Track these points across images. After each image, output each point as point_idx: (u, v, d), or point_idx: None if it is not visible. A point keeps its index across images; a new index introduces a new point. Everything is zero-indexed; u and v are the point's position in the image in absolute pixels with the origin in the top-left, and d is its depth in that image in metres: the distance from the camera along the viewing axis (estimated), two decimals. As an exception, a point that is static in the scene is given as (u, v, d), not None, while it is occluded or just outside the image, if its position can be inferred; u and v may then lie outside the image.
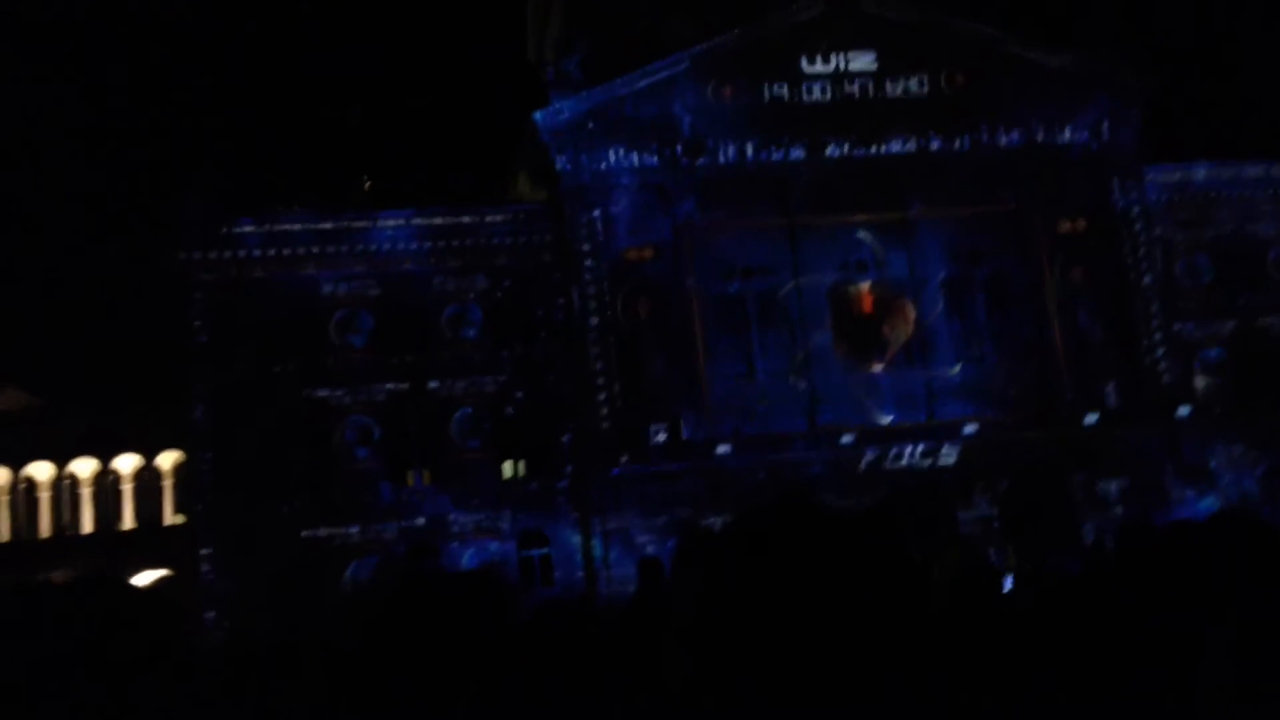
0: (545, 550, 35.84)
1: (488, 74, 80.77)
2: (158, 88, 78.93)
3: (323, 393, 35.87)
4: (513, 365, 36.70)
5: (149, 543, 36.99)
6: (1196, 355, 39.45)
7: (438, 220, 37.38)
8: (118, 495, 38.25)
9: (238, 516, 33.81)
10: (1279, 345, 40.12)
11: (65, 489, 37.98)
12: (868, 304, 37.80)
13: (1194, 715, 1.72)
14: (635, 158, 36.70)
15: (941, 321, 37.81)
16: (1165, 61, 41.80)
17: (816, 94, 37.86)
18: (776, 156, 37.14)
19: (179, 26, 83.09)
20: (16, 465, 37.59)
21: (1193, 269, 40.22)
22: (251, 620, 30.64)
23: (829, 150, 37.30)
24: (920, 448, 35.46)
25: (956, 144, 37.92)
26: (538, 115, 36.75)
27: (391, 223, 37.02)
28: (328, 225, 36.80)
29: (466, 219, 37.52)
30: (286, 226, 36.52)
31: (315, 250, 36.56)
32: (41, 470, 37.84)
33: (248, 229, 36.23)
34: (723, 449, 34.57)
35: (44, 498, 37.78)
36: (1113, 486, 35.92)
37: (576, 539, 35.46)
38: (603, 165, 36.58)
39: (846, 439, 35.15)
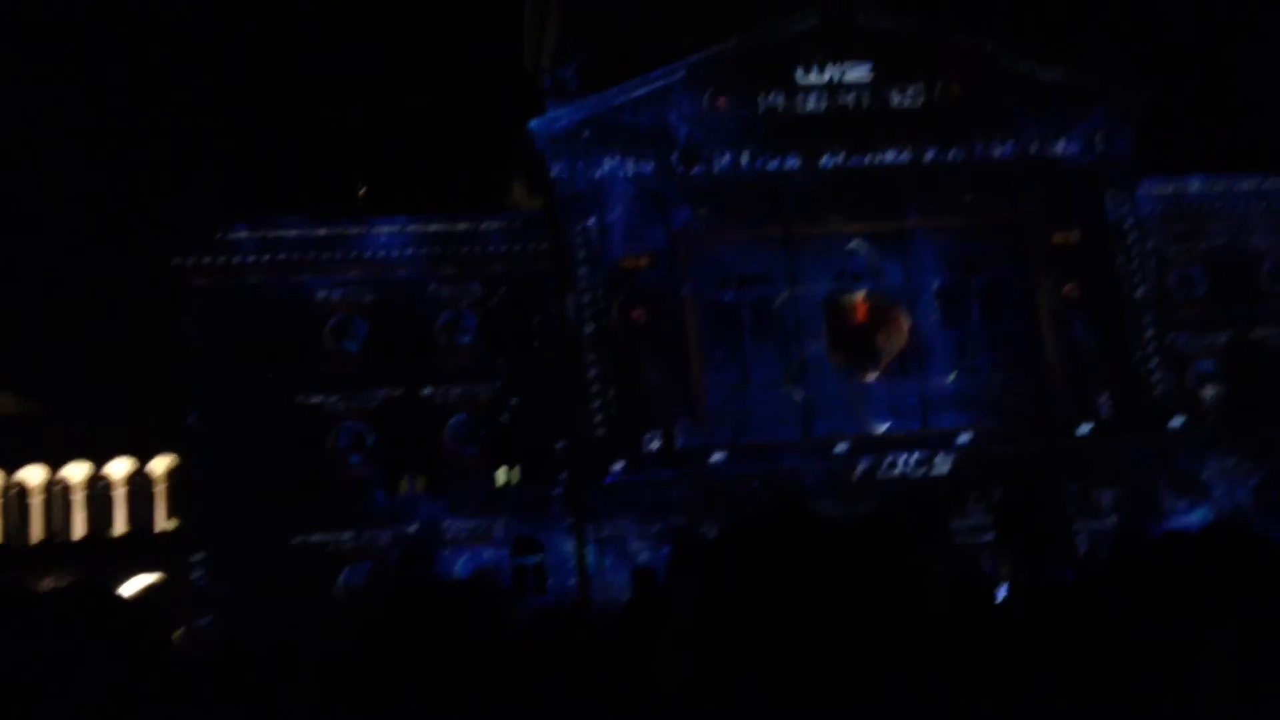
0: (539, 558, 35.79)
1: (484, 82, 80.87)
2: (154, 92, 78.95)
3: (317, 398, 35.84)
4: (508, 372, 36.69)
5: (141, 548, 36.87)
6: (1190, 367, 39.57)
7: (433, 227, 37.42)
8: (110, 500, 38.12)
9: (230, 522, 33.73)
10: (1272, 357, 40.25)
11: (57, 494, 37.85)
12: (862, 313, 37.87)
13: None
14: (631, 166, 36.76)
15: (936, 331, 37.88)
16: (1160, 74, 41.95)
17: (812, 104, 37.97)
18: (772, 166, 37.22)
19: (174, 33, 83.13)
20: (8, 470, 37.46)
21: (1186, 281, 40.37)
22: (244, 626, 30.56)
23: (824, 160, 37.39)
24: (914, 457, 35.51)
25: (951, 155, 38.03)
26: (534, 123, 36.80)
27: (387, 229, 37.04)
28: (323, 231, 36.81)
29: (462, 226, 37.56)
30: (282, 232, 36.52)
31: (310, 256, 36.56)
32: (33, 475, 37.72)
33: (243, 234, 36.22)
34: (717, 457, 34.58)
35: (35, 503, 37.65)
36: (1106, 496, 35.97)
37: (570, 546, 35.41)
38: (598, 173, 36.64)
39: (841, 448, 35.18)
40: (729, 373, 36.89)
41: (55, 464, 37.65)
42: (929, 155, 37.89)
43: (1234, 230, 40.71)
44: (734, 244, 36.82)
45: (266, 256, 36.30)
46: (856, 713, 1.46)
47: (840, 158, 37.42)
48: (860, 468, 35.06)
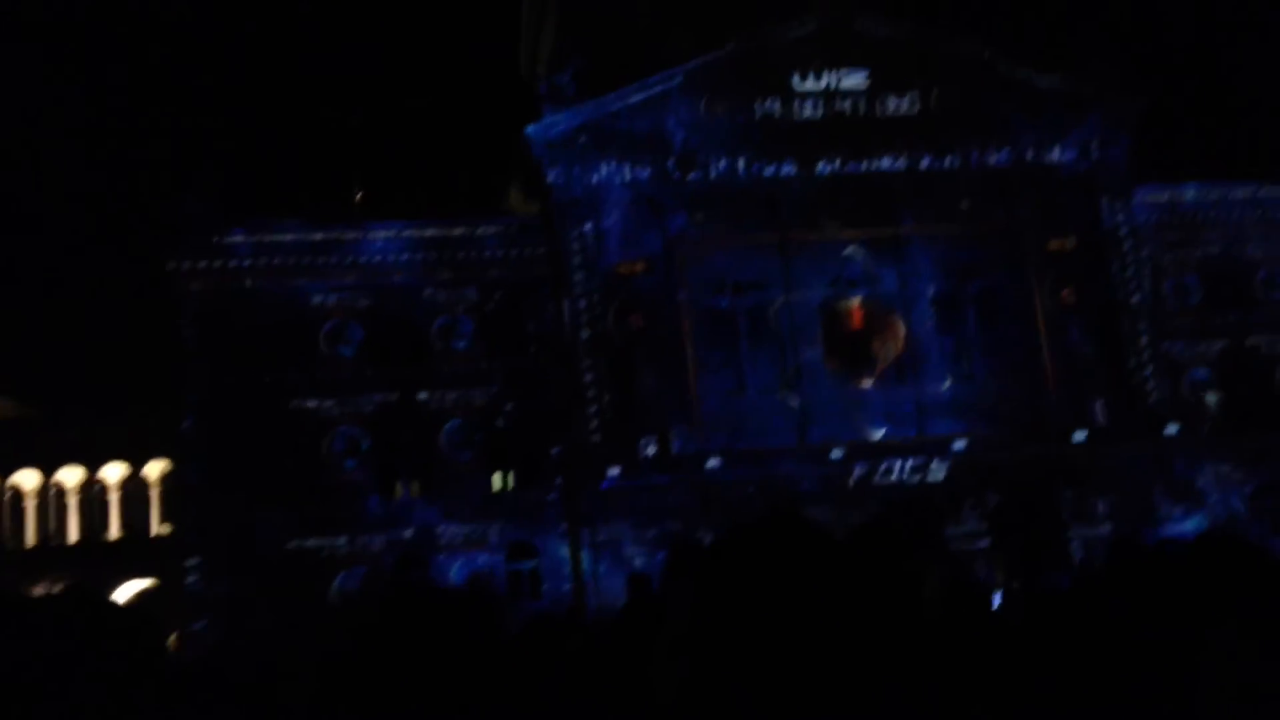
0: (534, 563, 35.76)
1: (481, 87, 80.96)
2: (150, 95, 78.93)
3: (312, 403, 35.81)
4: (503, 377, 36.68)
5: (136, 553, 36.81)
6: (1185, 374, 39.66)
7: (429, 232, 37.43)
8: (105, 505, 38.05)
9: (225, 527, 33.67)
10: (1267, 365, 40.36)
11: (51, 498, 37.77)
12: (858, 320, 37.90)
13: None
14: (627, 172, 36.78)
15: (932, 338, 37.92)
16: (1156, 81, 42.04)
17: (809, 110, 38.03)
18: (768, 172, 37.27)
19: (169, 37, 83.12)
20: (3, 473, 37.39)
21: (1181, 289, 40.47)
22: (239, 631, 30.50)
23: (820, 166, 37.44)
24: (910, 463, 35.52)
25: (947, 162, 38.10)
26: (530, 129, 36.83)
27: (383, 234, 37.04)
28: (319, 236, 36.80)
29: (458, 231, 37.57)
30: (277, 236, 36.51)
31: (306, 261, 36.56)
32: (28, 479, 37.64)
33: (239, 238, 36.20)
34: (713, 463, 34.57)
35: (30, 507, 37.57)
36: (1101, 504, 36.02)
37: (565, 551, 35.38)
38: (595, 179, 36.66)
39: (836, 454, 35.19)
40: (725, 378, 36.89)
41: (50, 468, 37.59)
42: (925, 162, 37.96)
43: (1229, 238, 40.83)
44: (730, 250, 36.84)
45: (262, 260, 36.28)
46: (852, 720, 1.45)
47: (837, 164, 37.48)
48: (856, 474, 35.06)
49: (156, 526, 38.04)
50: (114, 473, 38.07)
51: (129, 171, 73.88)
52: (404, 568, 34.88)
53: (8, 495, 37.56)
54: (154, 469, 38.12)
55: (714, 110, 37.19)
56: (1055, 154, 38.73)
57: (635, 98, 37.00)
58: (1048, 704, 2.09)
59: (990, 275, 38.28)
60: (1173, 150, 42.34)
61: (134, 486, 38.15)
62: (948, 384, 37.56)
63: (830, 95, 38.09)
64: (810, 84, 38.04)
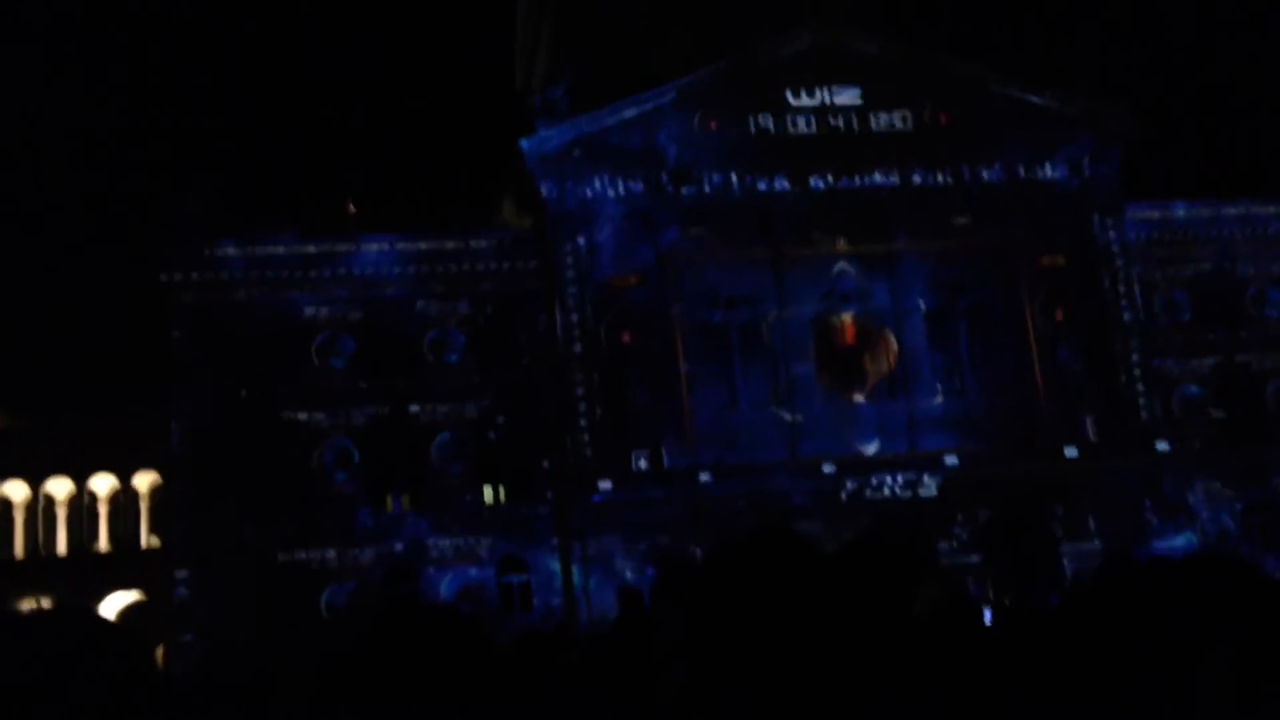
0: (525, 577, 35.64)
1: (475, 100, 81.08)
2: (144, 105, 78.92)
3: (302, 415, 35.71)
4: (495, 390, 36.63)
5: (124, 565, 36.61)
6: (1175, 391, 39.74)
7: (422, 245, 37.42)
8: (94, 517, 37.86)
9: (214, 539, 33.52)
10: (1257, 382, 40.45)
11: (40, 510, 37.57)
12: (850, 335, 37.96)
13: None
14: (620, 186, 36.85)
15: (923, 353, 37.99)
16: (1147, 99, 42.30)
17: (802, 126, 38.17)
18: (761, 187, 37.37)
19: (166, 43, 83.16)
20: (-9, 485, 37.19)
21: (1172, 305, 40.59)
22: (227, 644, 30.34)
23: (813, 182, 37.55)
24: (901, 478, 35.53)
25: (939, 178, 38.24)
26: (524, 143, 36.88)
27: (375, 247, 37.02)
28: (311, 248, 36.78)
29: (450, 244, 37.57)
30: (270, 249, 36.48)
31: (298, 273, 36.52)
32: (16, 491, 37.44)
33: (231, 250, 36.16)
34: (704, 477, 34.55)
35: (18, 519, 37.36)
36: (1092, 520, 36.05)
37: (556, 565, 35.28)
38: (588, 193, 36.72)
39: (828, 469, 35.19)
40: (717, 392, 36.88)
41: (39, 479, 37.39)
42: (917, 178, 38.09)
43: (1219, 255, 40.99)
44: (723, 264, 36.90)
45: (254, 272, 36.24)
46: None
47: (829, 179, 37.60)
48: (847, 489, 35.06)
49: (146, 538, 37.85)
50: (103, 484, 37.90)
51: (120, 186, 73.77)
52: (394, 581, 34.83)
53: (-4, 507, 37.35)
54: (143, 481, 37.95)
55: (707, 125, 37.31)
56: (1047, 171, 38.90)
57: (629, 112, 37.10)
58: (1038, 720, 2.09)
59: (982, 291, 38.37)
60: (1164, 168, 42.58)
61: (123, 499, 37.98)
62: (939, 399, 37.62)
63: (823, 111, 38.24)
64: (804, 100, 38.19)
